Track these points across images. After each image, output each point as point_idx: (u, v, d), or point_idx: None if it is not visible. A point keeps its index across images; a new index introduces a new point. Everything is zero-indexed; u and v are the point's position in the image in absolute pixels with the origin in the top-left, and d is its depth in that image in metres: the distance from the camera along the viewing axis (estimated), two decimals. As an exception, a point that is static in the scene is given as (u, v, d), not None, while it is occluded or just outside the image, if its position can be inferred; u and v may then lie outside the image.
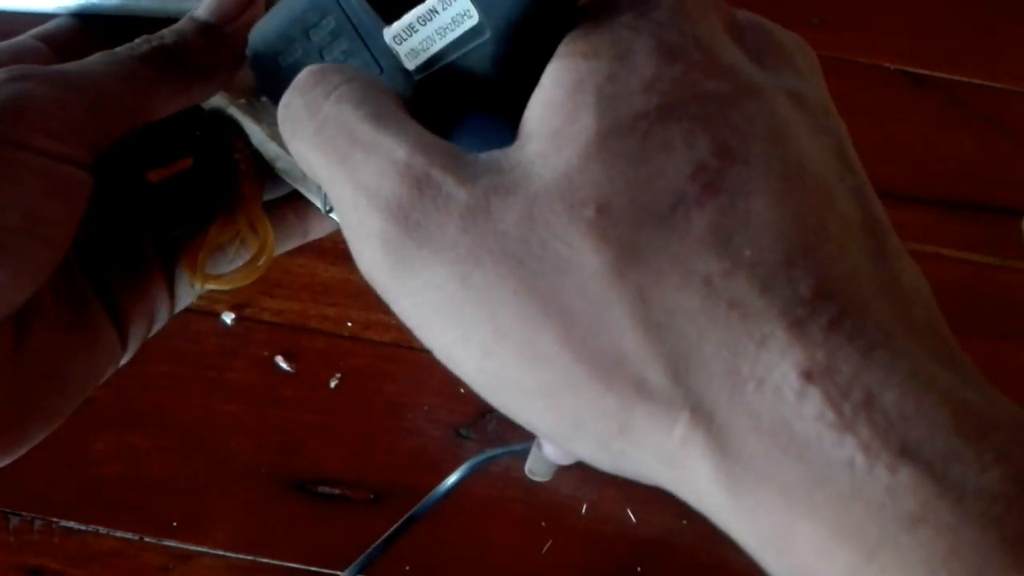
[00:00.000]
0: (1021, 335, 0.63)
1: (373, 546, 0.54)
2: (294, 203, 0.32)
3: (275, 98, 0.25)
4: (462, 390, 0.59)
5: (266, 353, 0.59)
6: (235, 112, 0.30)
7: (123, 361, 0.30)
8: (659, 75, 0.19)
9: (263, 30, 0.25)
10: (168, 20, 0.28)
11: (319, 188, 0.31)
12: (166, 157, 0.33)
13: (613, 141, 0.18)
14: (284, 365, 0.59)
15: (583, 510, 0.56)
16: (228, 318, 0.59)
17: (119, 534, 0.54)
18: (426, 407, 0.58)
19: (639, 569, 0.55)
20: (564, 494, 0.56)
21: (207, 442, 0.56)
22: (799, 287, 0.17)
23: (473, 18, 0.21)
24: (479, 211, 0.18)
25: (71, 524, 0.54)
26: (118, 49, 0.26)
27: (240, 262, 0.32)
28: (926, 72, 0.72)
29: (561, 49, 0.20)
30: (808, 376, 0.16)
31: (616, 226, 0.18)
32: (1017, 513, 0.15)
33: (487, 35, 0.21)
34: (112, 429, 0.56)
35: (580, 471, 0.57)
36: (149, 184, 0.32)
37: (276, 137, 0.30)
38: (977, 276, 0.65)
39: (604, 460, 0.19)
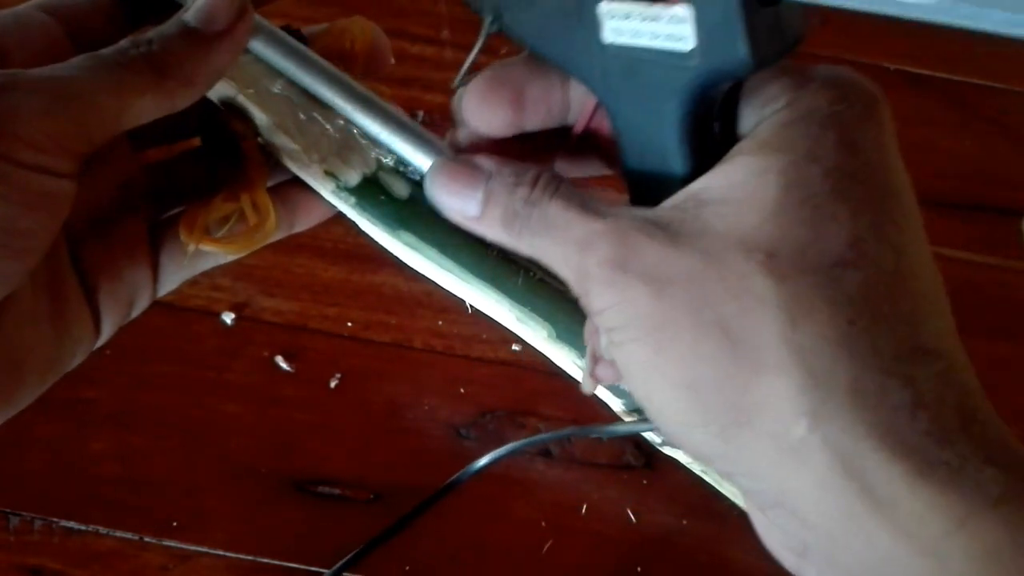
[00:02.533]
0: (1021, 335, 0.63)
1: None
2: (282, 194, 0.32)
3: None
4: (462, 390, 0.59)
5: (266, 353, 0.59)
6: (244, 101, 0.30)
7: (97, 345, 0.30)
8: (839, 165, 0.23)
9: None
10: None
11: (337, 188, 0.31)
12: (171, 137, 0.33)
13: (789, 209, 0.22)
14: (284, 365, 0.59)
15: (583, 510, 0.56)
16: (228, 318, 0.59)
17: (119, 534, 0.54)
18: (426, 407, 0.58)
19: (639, 569, 0.55)
20: (564, 494, 0.56)
21: (207, 442, 0.56)
22: (905, 343, 0.22)
23: (688, 44, 0.22)
24: (670, 248, 0.23)
25: (71, 524, 0.54)
26: (104, 52, 0.26)
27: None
28: (926, 72, 0.72)
29: (763, 133, 0.24)
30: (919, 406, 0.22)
31: (782, 266, 0.22)
32: None
33: (691, 63, 0.22)
34: (112, 429, 0.56)
35: (580, 471, 0.57)
36: (146, 164, 0.32)
37: (283, 126, 0.30)
38: (977, 276, 0.65)
39: (717, 447, 0.23)
